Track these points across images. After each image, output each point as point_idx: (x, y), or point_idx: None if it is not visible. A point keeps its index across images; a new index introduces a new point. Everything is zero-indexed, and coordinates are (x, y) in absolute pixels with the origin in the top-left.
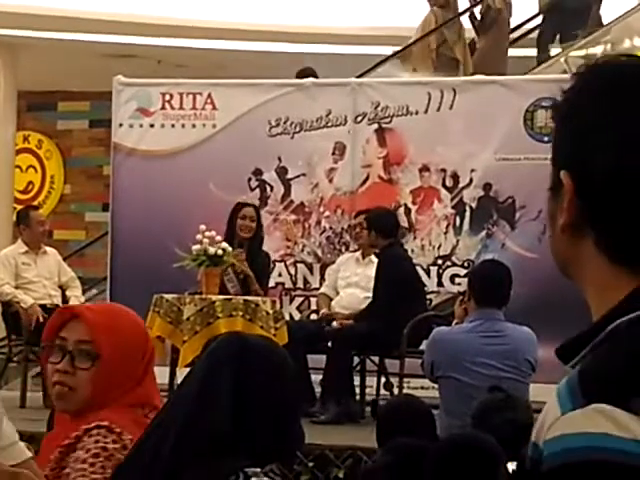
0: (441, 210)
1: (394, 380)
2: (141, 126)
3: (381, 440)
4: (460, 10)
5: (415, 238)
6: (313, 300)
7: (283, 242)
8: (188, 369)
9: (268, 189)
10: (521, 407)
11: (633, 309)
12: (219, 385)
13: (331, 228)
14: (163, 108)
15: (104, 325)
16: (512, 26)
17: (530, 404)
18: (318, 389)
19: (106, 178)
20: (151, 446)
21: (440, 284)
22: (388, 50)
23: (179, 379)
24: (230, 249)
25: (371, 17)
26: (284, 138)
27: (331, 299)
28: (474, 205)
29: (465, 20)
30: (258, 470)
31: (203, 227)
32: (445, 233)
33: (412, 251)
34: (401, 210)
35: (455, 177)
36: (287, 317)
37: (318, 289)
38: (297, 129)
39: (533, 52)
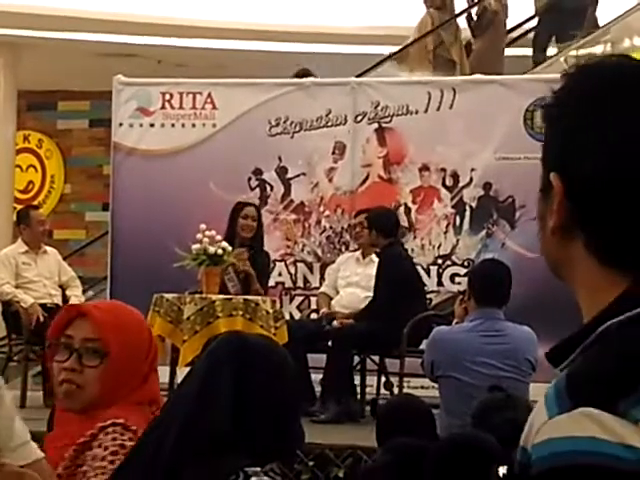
0: (441, 209)
1: (394, 379)
2: (141, 126)
3: (381, 439)
4: (456, 12)
5: (415, 237)
6: (313, 299)
7: (283, 242)
8: (188, 368)
9: (268, 188)
10: (521, 407)
11: (623, 311)
12: (219, 384)
13: (331, 227)
14: (163, 108)
15: (111, 323)
16: (510, 26)
17: (530, 404)
18: (318, 388)
19: (106, 178)
20: (151, 446)
21: (440, 283)
22: (388, 50)
23: (179, 378)
24: (230, 248)
25: (371, 17)
26: (284, 138)
27: (331, 298)
28: (474, 204)
29: (461, 21)
30: (258, 469)
31: (203, 226)
32: (445, 232)
33: (412, 250)
34: (401, 210)
35: (455, 176)
36: (287, 316)
37: (318, 288)
38: (297, 129)
39: (531, 51)
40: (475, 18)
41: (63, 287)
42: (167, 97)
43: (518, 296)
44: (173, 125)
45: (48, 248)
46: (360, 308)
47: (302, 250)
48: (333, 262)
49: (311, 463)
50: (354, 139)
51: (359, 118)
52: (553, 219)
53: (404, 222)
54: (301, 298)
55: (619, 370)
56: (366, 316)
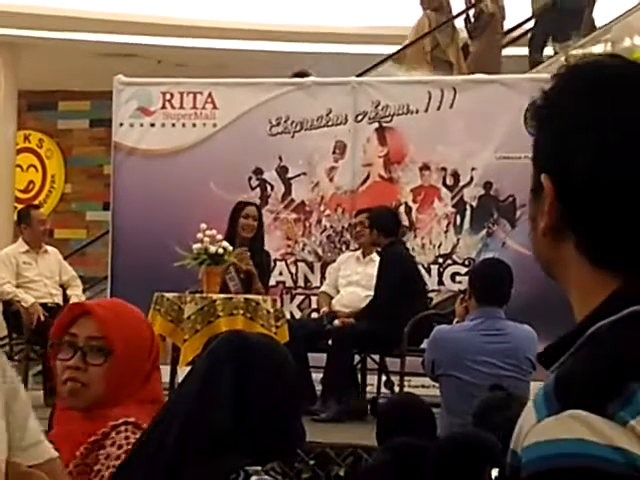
0: (441, 209)
1: (395, 378)
2: (141, 125)
3: (381, 438)
4: (453, 13)
5: (416, 237)
6: (314, 299)
7: (284, 241)
8: (189, 368)
9: (269, 188)
10: (522, 406)
11: (613, 311)
12: (220, 383)
13: (332, 227)
14: (163, 107)
15: (115, 321)
16: (510, 26)
17: None
18: (319, 387)
19: (107, 177)
20: (152, 444)
21: (441, 283)
22: (388, 49)
23: (180, 378)
24: (231, 248)
25: (371, 16)
26: (285, 137)
27: (332, 298)
28: (474, 204)
29: (459, 23)
30: (259, 468)
31: (204, 226)
32: (446, 232)
33: (413, 250)
34: (402, 209)
35: (455, 176)
36: (288, 316)
37: (319, 288)
38: (298, 128)
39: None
40: (472, 20)
41: (64, 287)
42: (167, 97)
43: (522, 294)
44: (173, 125)
45: (49, 248)
46: (361, 307)
47: (303, 249)
48: (334, 261)
49: (312, 462)
50: (355, 138)
51: (359, 117)
52: (544, 220)
53: (404, 221)
54: (302, 297)
55: (607, 372)
56: (367, 315)
